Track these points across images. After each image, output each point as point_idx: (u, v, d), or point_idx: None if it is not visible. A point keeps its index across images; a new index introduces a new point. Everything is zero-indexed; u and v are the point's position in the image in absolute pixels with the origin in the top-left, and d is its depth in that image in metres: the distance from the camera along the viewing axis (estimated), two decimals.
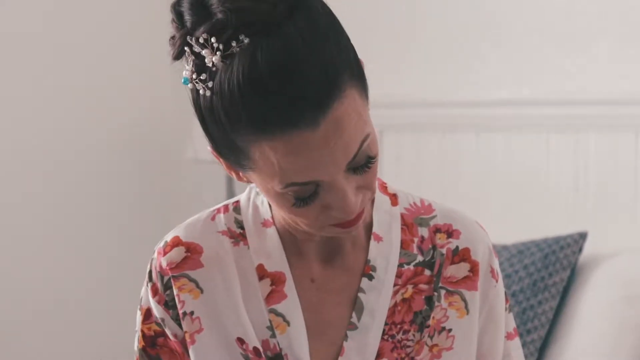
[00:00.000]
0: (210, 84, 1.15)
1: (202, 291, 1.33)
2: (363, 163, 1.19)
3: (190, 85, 1.17)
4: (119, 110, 3.83)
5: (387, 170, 3.36)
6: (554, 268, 2.82)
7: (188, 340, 1.33)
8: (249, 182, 1.27)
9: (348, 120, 1.15)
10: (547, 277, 2.82)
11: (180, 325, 1.34)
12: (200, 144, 3.60)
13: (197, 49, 1.15)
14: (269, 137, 1.13)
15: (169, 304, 1.34)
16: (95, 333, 3.74)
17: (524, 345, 2.74)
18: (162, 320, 1.35)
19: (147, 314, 1.36)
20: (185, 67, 1.18)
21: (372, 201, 1.37)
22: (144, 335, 1.36)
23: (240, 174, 1.25)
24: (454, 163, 3.36)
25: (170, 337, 1.35)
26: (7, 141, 3.52)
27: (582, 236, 2.87)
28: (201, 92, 1.16)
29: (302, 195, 1.19)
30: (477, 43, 3.33)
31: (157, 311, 1.35)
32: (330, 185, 1.19)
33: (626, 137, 3.06)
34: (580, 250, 2.87)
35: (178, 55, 1.18)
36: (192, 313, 1.33)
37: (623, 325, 2.71)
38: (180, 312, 1.33)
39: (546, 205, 3.19)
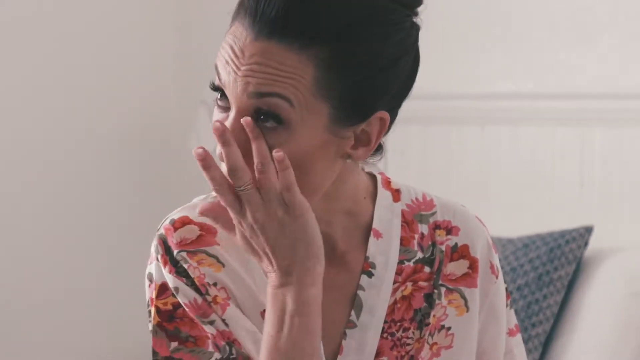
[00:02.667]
0: None
1: (223, 265, 1.30)
2: (266, 111, 1.19)
3: None
4: (121, 100, 3.83)
5: (392, 162, 3.35)
6: (559, 262, 2.82)
7: (221, 302, 1.28)
8: None
9: (279, 65, 1.17)
10: (552, 271, 2.81)
11: (197, 290, 1.29)
12: (203, 135, 3.59)
13: None
14: (238, 20, 1.21)
15: (181, 273, 1.29)
16: (99, 324, 3.74)
17: (528, 339, 2.74)
18: (176, 289, 1.29)
19: (162, 289, 1.31)
20: None
21: (374, 197, 1.36)
22: (159, 311, 1.30)
23: None
24: (459, 156, 3.35)
25: (184, 304, 1.29)
26: (9, 131, 3.51)
27: (588, 230, 2.86)
28: None
29: (220, 91, 1.23)
30: (483, 36, 3.32)
31: (170, 281, 1.30)
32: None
33: (632, 131, 3.05)
34: (586, 244, 2.86)
35: None
36: (215, 284, 1.29)
37: (628, 322, 2.71)
38: (203, 281, 1.28)
39: (551, 199, 3.18)
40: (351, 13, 1.18)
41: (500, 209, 3.16)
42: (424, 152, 3.40)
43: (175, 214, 1.34)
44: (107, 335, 3.73)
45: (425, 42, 3.72)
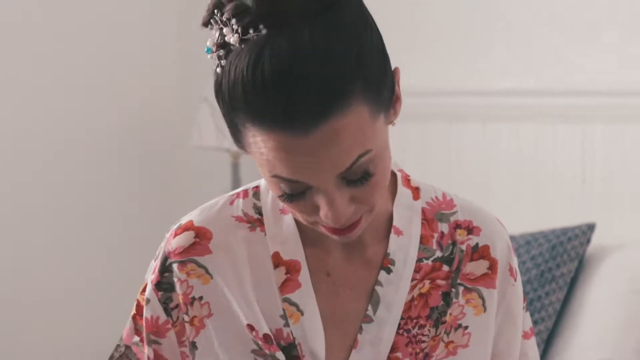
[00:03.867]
0: (223, 62, 1.16)
1: (211, 277, 1.32)
2: (359, 177, 1.18)
3: (209, 56, 1.19)
4: (122, 98, 3.82)
5: (393, 159, 3.34)
6: (562, 259, 2.82)
7: (197, 324, 1.32)
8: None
9: (346, 134, 1.14)
10: (555, 268, 2.81)
11: (166, 309, 1.34)
12: (205, 131, 3.59)
13: (219, 25, 1.17)
14: (260, 129, 1.14)
15: (161, 286, 1.34)
16: (98, 324, 3.73)
17: None
18: (148, 300, 1.35)
19: (146, 287, 1.37)
20: (211, 37, 1.19)
21: (393, 194, 1.37)
22: (138, 304, 1.38)
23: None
24: (460, 153, 3.35)
25: (145, 317, 1.35)
26: (11, 130, 3.51)
27: (590, 227, 2.87)
28: (215, 66, 1.18)
29: (291, 190, 1.19)
30: (484, 32, 3.32)
31: (148, 290, 1.35)
32: (319, 189, 1.18)
33: (633, 128, 3.05)
34: (588, 241, 2.86)
35: (205, 23, 1.19)
36: (201, 298, 1.32)
37: (630, 318, 2.71)
38: (189, 297, 1.32)
39: (553, 196, 3.18)
40: (344, 38, 1.15)
41: (501, 206, 3.16)
42: (424, 149, 3.40)
43: (186, 217, 1.37)
44: (107, 335, 3.73)
45: (426, 40, 3.73)
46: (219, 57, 1.16)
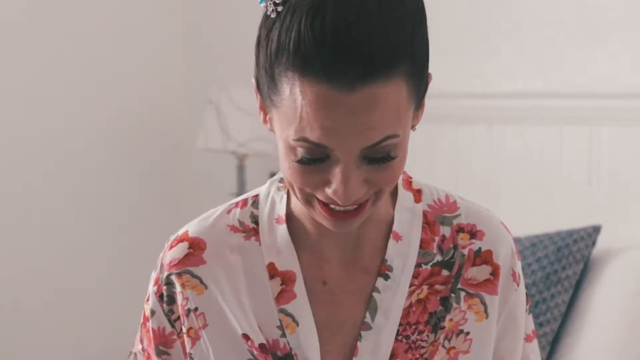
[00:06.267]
0: (280, 8, 1.15)
1: (206, 287, 1.33)
2: (381, 157, 1.17)
3: (263, 4, 1.18)
4: (128, 100, 3.83)
5: None
6: (567, 261, 2.81)
7: (193, 336, 1.33)
8: (271, 129, 1.25)
9: (383, 105, 1.13)
10: (560, 271, 2.81)
11: (170, 321, 1.34)
12: (210, 134, 3.59)
13: None
14: (303, 79, 1.13)
15: (163, 298, 1.35)
16: (101, 323, 3.74)
17: None
18: (152, 312, 1.36)
19: (149, 297, 1.38)
20: None
21: (395, 198, 1.36)
22: (144, 313, 1.39)
23: (267, 116, 1.23)
24: (466, 155, 3.34)
25: (151, 328, 1.35)
26: (17, 131, 3.52)
27: (596, 230, 2.86)
28: (269, 12, 1.17)
29: (311, 155, 1.17)
30: (491, 35, 3.32)
31: (152, 301, 1.36)
32: (338, 162, 1.17)
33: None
34: (594, 243, 2.86)
35: None
36: (196, 309, 1.32)
37: (635, 321, 2.70)
38: (185, 308, 1.33)
39: (559, 198, 3.18)
40: (405, 12, 1.16)
41: (507, 208, 3.16)
42: (431, 151, 3.40)
43: (183, 228, 1.37)
44: (107, 335, 3.74)
45: (433, 41, 3.71)
46: (275, 4, 1.15)
